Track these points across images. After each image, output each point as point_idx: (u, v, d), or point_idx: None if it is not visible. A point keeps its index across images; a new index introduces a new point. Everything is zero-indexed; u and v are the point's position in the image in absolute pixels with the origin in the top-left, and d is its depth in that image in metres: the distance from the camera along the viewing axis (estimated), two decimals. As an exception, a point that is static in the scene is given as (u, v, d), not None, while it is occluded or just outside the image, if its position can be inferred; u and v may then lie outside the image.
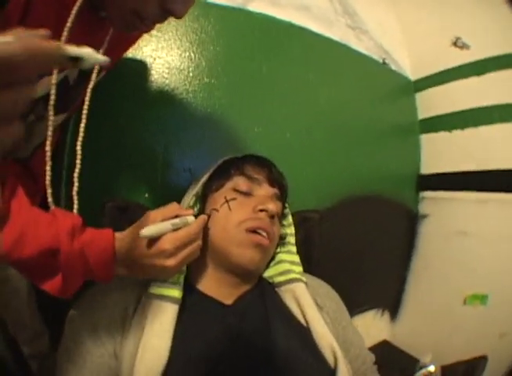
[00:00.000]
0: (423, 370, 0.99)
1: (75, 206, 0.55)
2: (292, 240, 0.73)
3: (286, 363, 0.53)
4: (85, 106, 0.56)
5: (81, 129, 0.56)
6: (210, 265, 0.62)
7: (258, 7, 1.05)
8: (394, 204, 1.44)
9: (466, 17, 1.41)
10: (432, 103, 1.55)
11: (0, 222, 0.44)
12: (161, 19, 0.50)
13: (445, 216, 1.45)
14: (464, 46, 1.42)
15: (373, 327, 1.46)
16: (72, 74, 0.57)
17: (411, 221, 1.52)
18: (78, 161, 0.56)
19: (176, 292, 0.56)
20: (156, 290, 0.56)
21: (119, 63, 0.69)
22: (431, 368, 0.99)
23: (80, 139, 0.55)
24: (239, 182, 0.64)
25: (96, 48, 0.57)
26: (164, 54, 0.87)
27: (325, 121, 1.18)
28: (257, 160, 0.68)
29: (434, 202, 1.51)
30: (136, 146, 0.84)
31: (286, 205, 0.73)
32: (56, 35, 0.47)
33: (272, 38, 1.05)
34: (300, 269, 0.69)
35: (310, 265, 0.79)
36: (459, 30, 1.43)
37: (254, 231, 0.59)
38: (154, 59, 0.86)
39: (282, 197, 0.68)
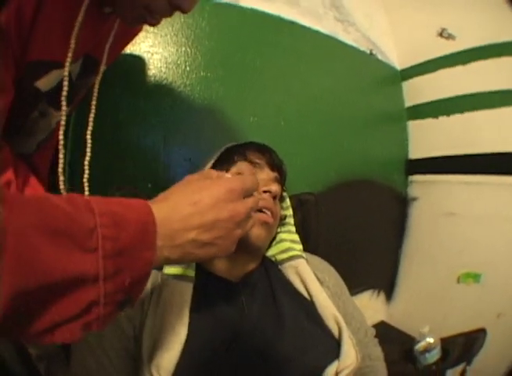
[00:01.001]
0: (423, 342, 1.05)
1: (86, 193, 0.59)
2: (291, 220, 0.77)
3: (294, 334, 0.57)
4: (94, 98, 0.60)
5: (90, 119, 0.60)
6: None
7: (250, 3, 1.09)
8: (384, 187, 1.50)
9: (453, 8, 1.45)
10: (419, 91, 1.60)
11: None
12: (169, 13, 0.52)
13: (434, 198, 1.51)
14: (450, 37, 1.47)
15: (369, 308, 1.50)
16: (75, 70, 0.59)
17: (401, 204, 1.57)
18: (88, 150, 0.59)
19: (191, 272, 0.59)
20: (172, 270, 0.59)
21: (118, 59, 0.71)
22: (430, 340, 1.05)
23: (89, 128, 0.59)
24: (243, 166, 0.66)
25: (102, 42, 0.59)
26: (161, 49, 0.90)
27: (316, 110, 1.23)
28: (258, 147, 0.71)
29: (422, 185, 1.57)
30: (137, 139, 0.88)
31: (285, 188, 0.76)
32: (67, 31, 0.51)
33: (264, 32, 1.10)
34: (300, 246, 0.73)
35: (308, 246, 0.83)
36: (445, 21, 1.48)
37: (259, 210, 0.61)
38: (152, 54, 0.90)
39: (281, 180, 0.71)
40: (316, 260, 0.75)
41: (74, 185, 0.65)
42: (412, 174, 1.60)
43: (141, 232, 0.29)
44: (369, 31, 1.56)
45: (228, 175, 0.43)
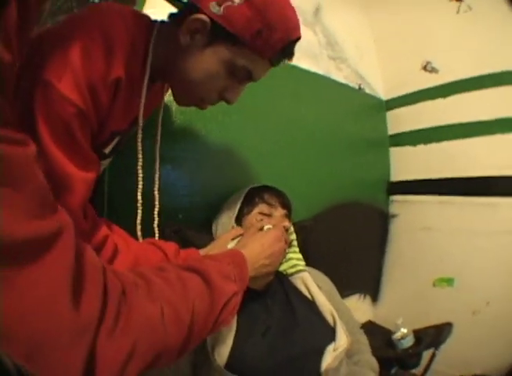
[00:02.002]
0: (399, 332, 1.26)
1: (156, 235, 0.75)
2: (295, 243, 0.99)
3: (304, 324, 0.79)
4: (157, 145, 0.75)
5: (157, 168, 0.76)
6: None
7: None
8: (369, 206, 1.70)
9: (438, 42, 1.61)
10: (401, 120, 1.78)
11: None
12: (216, 102, 0.65)
13: (412, 215, 1.70)
14: (433, 70, 1.63)
15: (357, 309, 1.67)
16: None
17: (384, 220, 1.78)
18: (157, 203, 0.75)
19: None
20: None
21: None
22: (404, 330, 1.26)
23: (156, 181, 0.75)
24: (263, 207, 0.90)
25: (153, 107, 0.76)
26: None
27: (313, 144, 1.42)
28: (272, 190, 0.94)
29: (402, 204, 1.76)
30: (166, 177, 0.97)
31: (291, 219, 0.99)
32: (129, 105, 0.59)
33: (270, 79, 1.26)
34: (303, 263, 0.95)
35: (309, 261, 1.04)
36: (430, 54, 1.64)
37: None
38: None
39: (290, 214, 0.94)
40: (316, 272, 0.99)
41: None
42: (393, 194, 1.80)
43: (241, 264, 0.59)
44: (359, 65, 1.75)
45: (269, 226, 0.77)
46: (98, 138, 0.56)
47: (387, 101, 1.85)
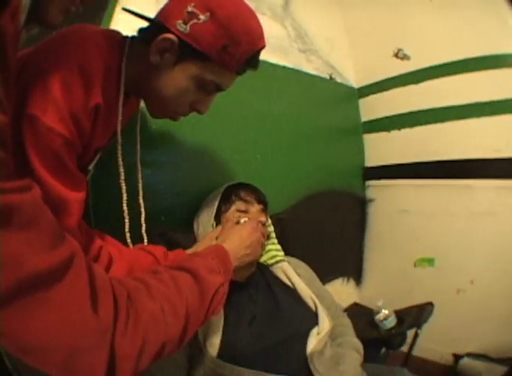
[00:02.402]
0: (381, 313, 1.29)
1: (145, 240, 0.79)
2: (273, 234, 1.05)
3: (287, 310, 0.84)
4: (138, 156, 0.78)
5: (139, 176, 0.79)
6: None
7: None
8: (345, 193, 1.74)
9: (409, 29, 1.62)
10: (374, 107, 1.81)
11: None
12: (188, 114, 0.69)
13: (388, 199, 1.76)
14: (405, 57, 1.66)
15: (342, 292, 1.73)
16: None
17: (361, 205, 1.83)
18: (143, 211, 0.78)
19: None
20: None
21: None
22: (385, 311, 1.29)
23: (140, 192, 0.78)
24: (240, 205, 0.94)
25: (129, 118, 0.78)
26: None
27: (285, 138, 1.44)
28: (247, 187, 0.98)
29: (378, 188, 1.81)
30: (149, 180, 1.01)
31: (267, 213, 1.02)
32: (108, 122, 0.61)
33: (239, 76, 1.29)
34: (282, 253, 1.01)
35: (288, 250, 1.09)
36: (401, 41, 1.65)
37: None
38: None
39: (266, 209, 0.98)
40: (295, 260, 1.04)
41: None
42: (368, 179, 1.84)
43: (224, 257, 0.64)
44: (330, 55, 1.76)
45: (245, 219, 0.85)
46: (83, 158, 0.60)
47: (360, 89, 1.87)
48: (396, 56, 1.68)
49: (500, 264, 1.40)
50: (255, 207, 0.95)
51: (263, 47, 0.65)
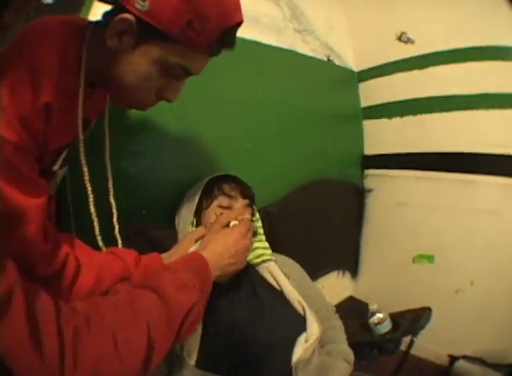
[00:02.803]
0: (375, 317, 1.21)
1: (119, 242, 0.73)
2: (261, 230, 0.95)
3: (272, 316, 0.77)
4: (107, 151, 0.71)
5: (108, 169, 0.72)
6: None
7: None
8: (340, 182, 1.65)
9: (413, 13, 1.53)
10: (375, 92, 1.72)
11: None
12: (155, 103, 0.62)
13: (388, 190, 1.68)
14: (409, 41, 1.56)
15: (337, 285, 1.69)
16: None
17: (359, 195, 1.75)
18: (114, 211, 0.72)
19: None
20: None
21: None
22: (380, 315, 1.20)
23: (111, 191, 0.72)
24: (222, 200, 0.86)
25: (94, 112, 0.69)
26: None
27: (277, 123, 1.34)
28: (232, 180, 0.89)
29: (377, 178, 1.73)
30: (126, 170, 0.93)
31: (254, 207, 0.94)
32: (69, 116, 0.57)
33: (226, 55, 1.18)
34: (269, 251, 0.92)
35: (277, 246, 1.02)
36: (405, 25, 1.56)
37: None
38: None
39: (252, 203, 0.90)
40: (283, 259, 0.96)
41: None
42: (367, 168, 1.76)
43: (202, 268, 0.60)
44: (328, 36, 1.66)
45: (235, 222, 0.76)
46: (43, 160, 0.56)
47: (360, 72, 1.78)
48: (399, 39, 1.59)
49: (502, 265, 1.35)
50: (239, 203, 0.86)
51: (240, 22, 0.56)
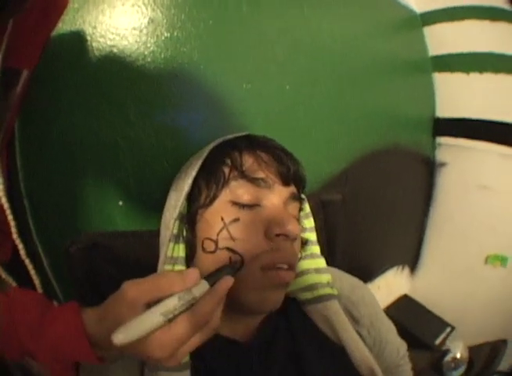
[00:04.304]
0: (449, 356, 0.99)
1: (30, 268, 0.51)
2: (313, 236, 0.55)
3: None
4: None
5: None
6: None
7: None
8: (411, 152, 1.28)
9: None
10: (444, 39, 1.34)
11: None
12: None
13: (465, 166, 1.32)
14: None
15: (394, 284, 1.40)
16: None
17: (428, 169, 1.38)
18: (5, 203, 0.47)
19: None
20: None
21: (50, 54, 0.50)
22: (458, 354, 0.99)
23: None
24: (240, 189, 0.42)
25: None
26: (105, 17, 0.58)
27: (329, 65, 0.93)
28: (260, 147, 0.46)
29: (452, 149, 1.36)
30: (95, 142, 0.59)
31: (303, 197, 0.53)
32: None
33: None
34: (328, 277, 0.52)
35: (333, 251, 0.62)
36: None
37: (271, 266, 0.41)
38: (94, 27, 0.60)
39: (301, 192, 0.49)
40: (348, 286, 0.56)
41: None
42: (440, 135, 1.37)
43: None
44: None
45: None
46: None
47: (423, 14, 1.37)
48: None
49: None
50: (278, 194, 0.44)
51: None
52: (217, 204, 0.42)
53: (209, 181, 0.44)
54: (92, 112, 0.58)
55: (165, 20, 0.64)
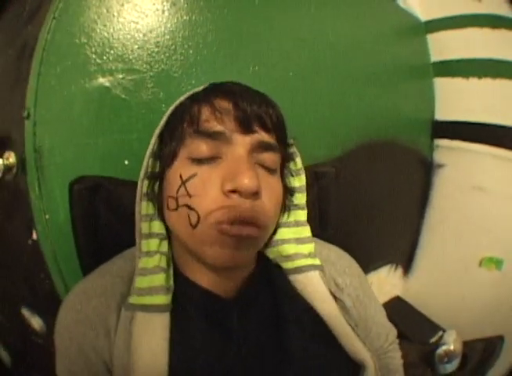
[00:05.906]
0: (443, 348, 0.92)
1: None
2: (301, 198, 0.51)
3: (305, 363, 0.40)
4: None
5: None
6: (192, 257, 0.44)
7: None
8: (408, 150, 1.27)
9: None
10: (446, 46, 1.35)
11: None
12: None
13: (462, 168, 1.30)
14: None
15: (386, 283, 1.37)
16: None
17: (426, 170, 1.37)
18: None
19: (162, 298, 0.40)
20: (136, 299, 0.40)
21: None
22: (451, 346, 0.92)
23: None
24: (194, 145, 0.39)
25: None
26: None
27: (332, 58, 0.96)
28: (220, 95, 0.40)
29: (450, 151, 1.34)
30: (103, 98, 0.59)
31: (292, 141, 0.49)
32: None
33: None
34: (311, 247, 0.50)
35: (324, 227, 0.63)
36: None
37: (230, 222, 0.37)
38: (122, 4, 0.63)
39: (280, 138, 0.43)
40: (335, 256, 0.55)
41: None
42: (438, 137, 1.37)
43: None
44: None
45: None
46: None
47: (427, 22, 1.39)
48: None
49: None
50: (238, 143, 0.39)
51: None
52: (177, 162, 0.41)
53: (171, 139, 0.42)
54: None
55: (186, 5, 0.69)
